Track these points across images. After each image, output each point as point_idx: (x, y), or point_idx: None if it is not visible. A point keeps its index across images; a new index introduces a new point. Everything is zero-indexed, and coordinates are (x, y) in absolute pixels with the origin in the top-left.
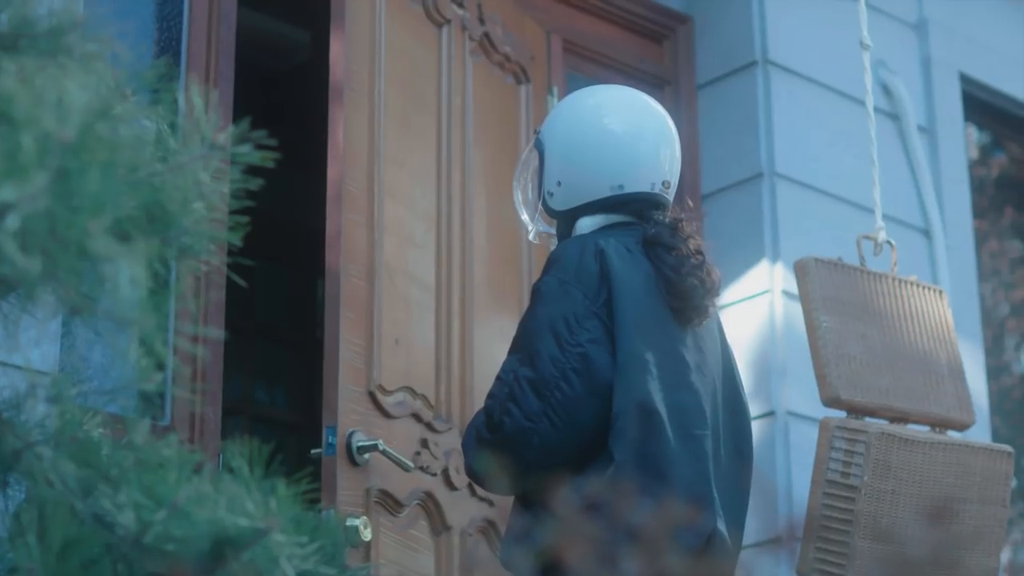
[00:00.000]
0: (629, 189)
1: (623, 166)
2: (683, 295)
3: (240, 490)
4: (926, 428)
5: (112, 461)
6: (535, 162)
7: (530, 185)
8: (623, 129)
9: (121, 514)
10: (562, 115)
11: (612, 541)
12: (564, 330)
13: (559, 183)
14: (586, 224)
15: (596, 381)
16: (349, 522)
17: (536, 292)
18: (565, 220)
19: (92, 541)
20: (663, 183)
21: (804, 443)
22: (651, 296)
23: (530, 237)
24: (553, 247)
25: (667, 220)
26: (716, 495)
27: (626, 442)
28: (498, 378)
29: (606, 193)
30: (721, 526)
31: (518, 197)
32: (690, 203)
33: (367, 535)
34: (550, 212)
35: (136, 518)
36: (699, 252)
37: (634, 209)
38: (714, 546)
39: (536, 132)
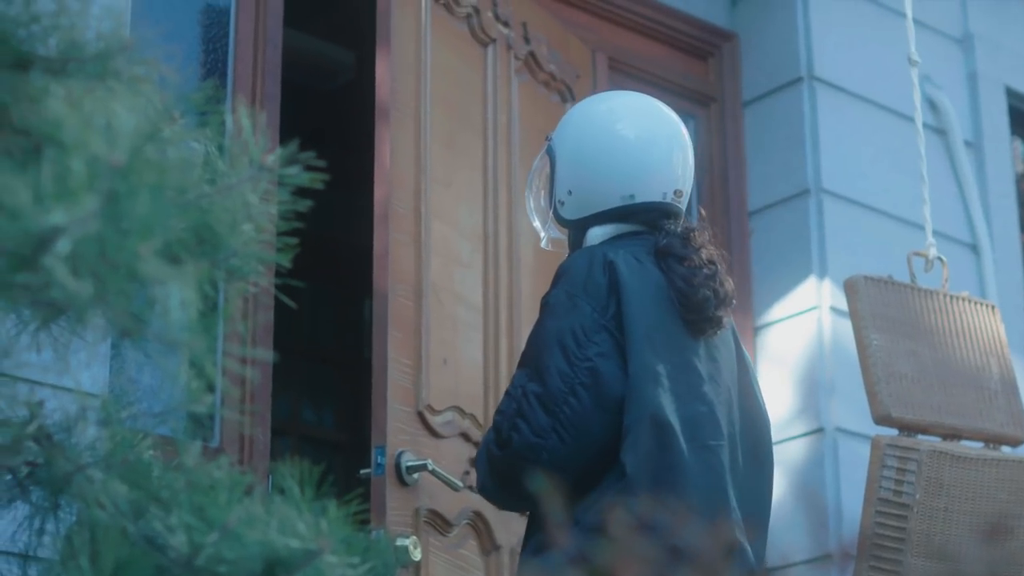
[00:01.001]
0: (640, 199)
1: (634, 175)
2: (696, 307)
3: (291, 511)
4: (979, 444)
5: (163, 483)
6: (547, 168)
7: (542, 192)
8: (634, 136)
9: (173, 536)
10: (573, 122)
11: (655, 560)
12: (572, 344)
13: (570, 192)
14: (597, 234)
15: (605, 395)
16: (399, 542)
17: (544, 305)
18: (576, 229)
19: (144, 563)
20: (675, 192)
21: (853, 459)
22: (662, 307)
23: (542, 244)
24: (566, 255)
25: (679, 230)
26: (735, 505)
27: (639, 455)
28: (507, 393)
29: (616, 203)
30: (741, 537)
31: (530, 204)
32: (702, 212)
33: (417, 555)
34: (561, 221)
35: (188, 540)
36: (712, 262)
37: (645, 219)
38: (735, 558)
39: (548, 138)
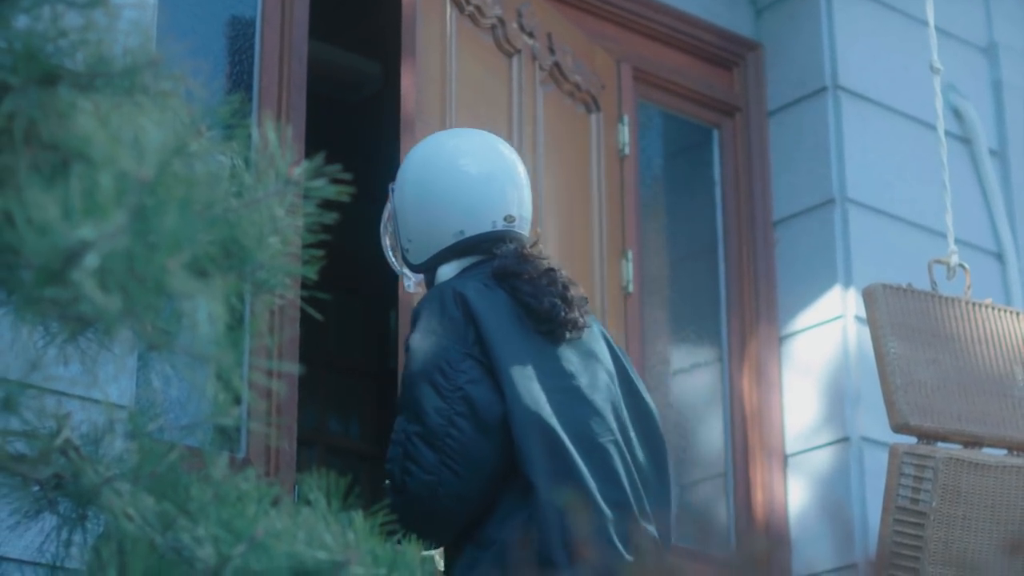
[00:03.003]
0: (471, 232)
1: (457, 213)
2: (545, 315)
3: (318, 522)
4: (1003, 452)
5: (190, 495)
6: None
7: (391, 239)
8: (446, 179)
9: (200, 548)
10: (401, 173)
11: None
12: (441, 378)
13: (410, 240)
14: (446, 271)
15: (484, 419)
16: (425, 553)
17: (407, 350)
18: (426, 271)
19: (172, 575)
20: (505, 218)
21: (879, 469)
22: (518, 324)
23: (407, 287)
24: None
25: (511, 248)
26: (632, 497)
27: (538, 468)
28: (392, 441)
29: (451, 241)
30: (648, 524)
31: (388, 250)
32: (537, 231)
33: (443, 565)
34: (411, 267)
35: (215, 552)
36: (550, 270)
37: (484, 248)
38: (639, 548)
39: (390, 188)
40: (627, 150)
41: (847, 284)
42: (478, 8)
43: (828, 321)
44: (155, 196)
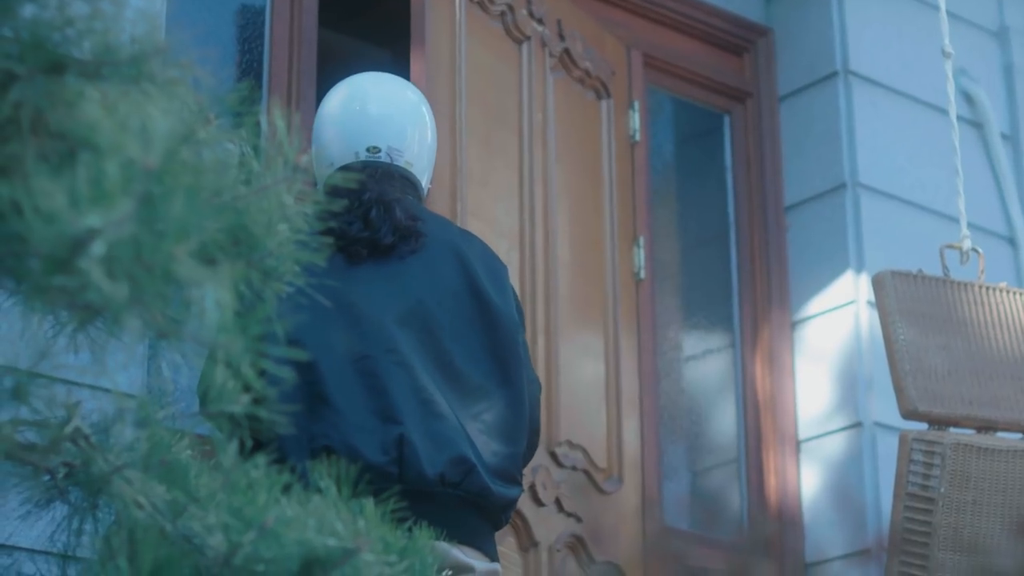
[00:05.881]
0: (339, 163)
1: (327, 146)
2: (338, 233)
3: (328, 510)
4: (1017, 436)
5: (200, 483)
6: None
7: None
8: (320, 116)
9: (211, 536)
10: None
11: None
12: None
13: (315, 175)
14: None
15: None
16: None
17: None
18: None
19: (182, 563)
20: (368, 148)
21: (891, 454)
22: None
23: None
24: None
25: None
26: (402, 406)
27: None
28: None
29: (326, 172)
30: (412, 436)
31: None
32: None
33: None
34: None
35: (225, 540)
36: (366, 191)
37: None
38: (408, 454)
39: None
40: (638, 136)
41: (859, 269)
42: None
43: (840, 307)
44: (162, 184)
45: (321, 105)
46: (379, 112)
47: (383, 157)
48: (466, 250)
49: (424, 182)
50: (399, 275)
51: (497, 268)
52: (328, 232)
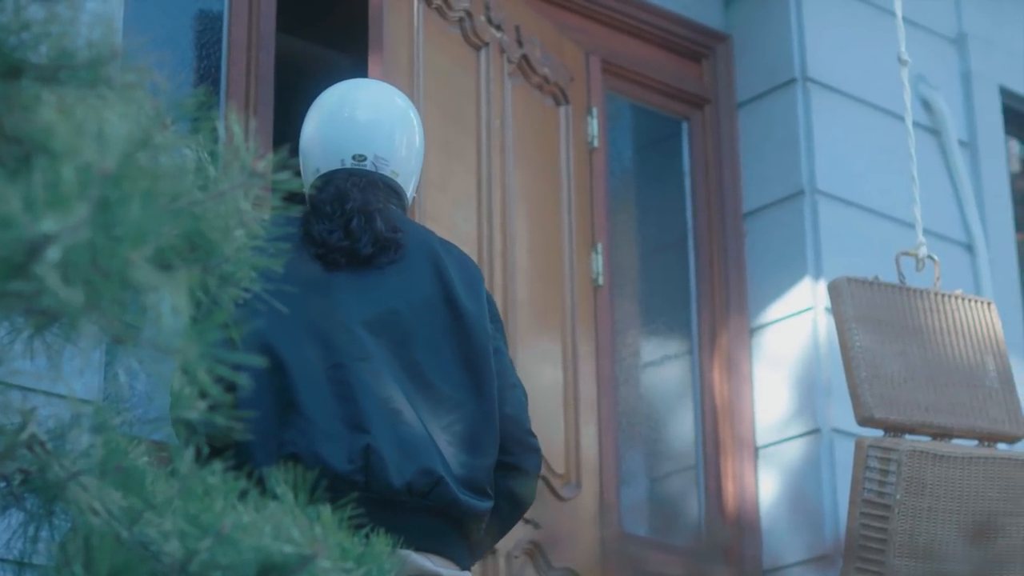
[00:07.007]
0: (324, 170)
1: (312, 154)
2: (319, 241)
3: (285, 517)
4: (973, 443)
5: (157, 489)
6: None
7: None
8: (307, 123)
9: (167, 542)
10: None
11: None
12: None
13: (303, 182)
14: None
15: None
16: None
17: None
18: None
19: (138, 570)
20: (354, 156)
21: (849, 461)
22: (297, 251)
23: None
24: None
25: (335, 182)
26: (371, 415)
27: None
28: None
29: (312, 179)
30: (379, 445)
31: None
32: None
33: None
34: None
35: (182, 546)
36: (346, 201)
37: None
38: (374, 463)
39: None
40: (596, 142)
41: (817, 276)
42: (445, 1)
43: (798, 313)
44: (119, 189)
45: (310, 109)
46: (367, 119)
47: (368, 166)
48: (444, 259)
49: (409, 190)
50: (376, 285)
51: (474, 276)
52: (308, 239)
